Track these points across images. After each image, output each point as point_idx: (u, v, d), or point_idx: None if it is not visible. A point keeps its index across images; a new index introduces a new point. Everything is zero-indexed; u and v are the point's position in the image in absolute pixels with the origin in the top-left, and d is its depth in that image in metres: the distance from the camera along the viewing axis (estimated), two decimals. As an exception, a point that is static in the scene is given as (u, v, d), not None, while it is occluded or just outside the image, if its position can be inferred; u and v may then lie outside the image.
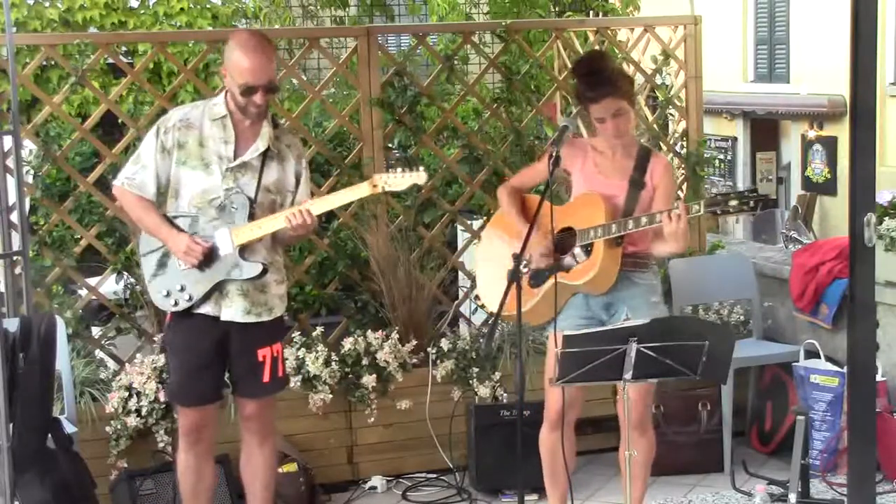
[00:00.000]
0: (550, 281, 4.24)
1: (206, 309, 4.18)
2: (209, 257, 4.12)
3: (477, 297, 5.83)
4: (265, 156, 4.18)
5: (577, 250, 4.25)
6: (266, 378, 4.26)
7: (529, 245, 4.14)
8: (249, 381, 4.27)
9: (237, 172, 4.16)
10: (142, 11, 10.84)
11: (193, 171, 4.15)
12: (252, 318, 4.20)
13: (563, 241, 4.29)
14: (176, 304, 4.18)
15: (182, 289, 4.16)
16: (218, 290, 4.17)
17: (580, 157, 4.38)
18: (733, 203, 4.04)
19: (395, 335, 5.53)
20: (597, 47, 6.70)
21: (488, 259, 4.56)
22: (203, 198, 4.15)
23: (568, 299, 4.31)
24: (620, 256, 4.26)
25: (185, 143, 4.15)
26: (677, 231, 4.04)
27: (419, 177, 4.13)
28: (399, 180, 4.13)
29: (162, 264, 4.21)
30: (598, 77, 4.25)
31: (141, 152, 4.22)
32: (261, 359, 4.25)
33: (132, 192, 4.20)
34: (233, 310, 4.18)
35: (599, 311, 4.33)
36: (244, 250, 4.15)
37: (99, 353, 5.57)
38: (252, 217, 4.13)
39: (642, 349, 3.72)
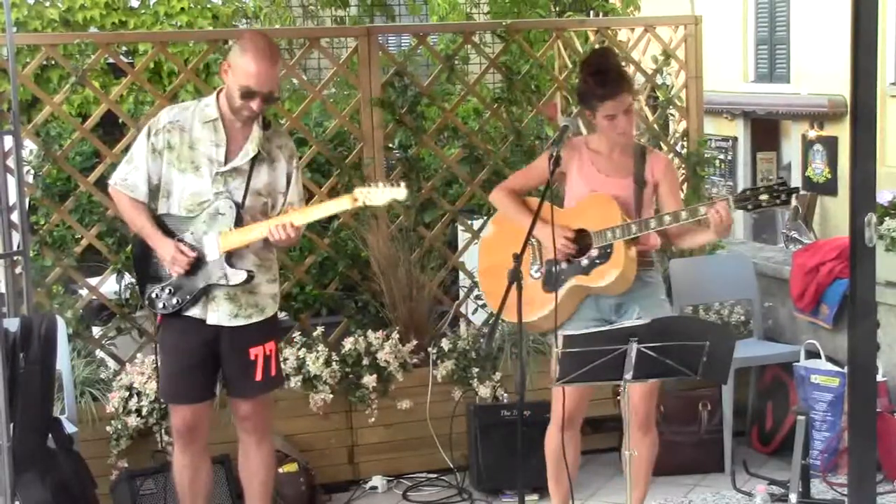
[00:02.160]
0: (568, 284, 4.24)
1: (193, 312, 4.19)
2: (195, 265, 4.12)
3: (478, 298, 5.82)
4: (255, 159, 4.16)
5: (594, 252, 4.23)
6: (258, 377, 4.25)
7: (546, 247, 4.17)
8: (241, 381, 4.26)
9: (227, 176, 4.15)
10: (142, 11, 10.85)
11: (184, 174, 4.14)
12: (241, 321, 4.20)
13: (578, 242, 4.27)
14: (164, 306, 4.18)
15: (170, 292, 4.17)
16: (205, 293, 4.17)
17: (576, 157, 4.36)
18: (764, 197, 3.91)
19: (395, 335, 5.53)
20: (597, 47, 6.69)
21: (496, 268, 4.39)
22: (193, 201, 4.15)
23: (580, 302, 4.30)
24: (636, 256, 4.26)
25: (174, 145, 4.14)
26: (723, 224, 4.01)
27: (399, 192, 4.08)
28: (379, 195, 4.08)
29: (152, 267, 4.22)
30: (612, 73, 4.24)
31: (133, 153, 4.22)
32: (252, 357, 4.24)
33: (125, 192, 4.21)
34: (219, 314, 4.18)
35: (609, 313, 4.32)
36: (231, 256, 4.15)
37: (99, 353, 5.57)
38: (240, 222, 4.12)
39: (643, 349, 3.72)
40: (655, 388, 4.39)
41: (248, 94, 4.05)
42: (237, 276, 4.14)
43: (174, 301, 4.17)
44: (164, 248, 4.13)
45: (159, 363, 4.36)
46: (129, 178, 4.20)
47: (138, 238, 4.29)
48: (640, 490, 4.41)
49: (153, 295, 4.20)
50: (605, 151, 4.34)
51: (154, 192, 4.20)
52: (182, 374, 4.23)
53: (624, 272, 4.19)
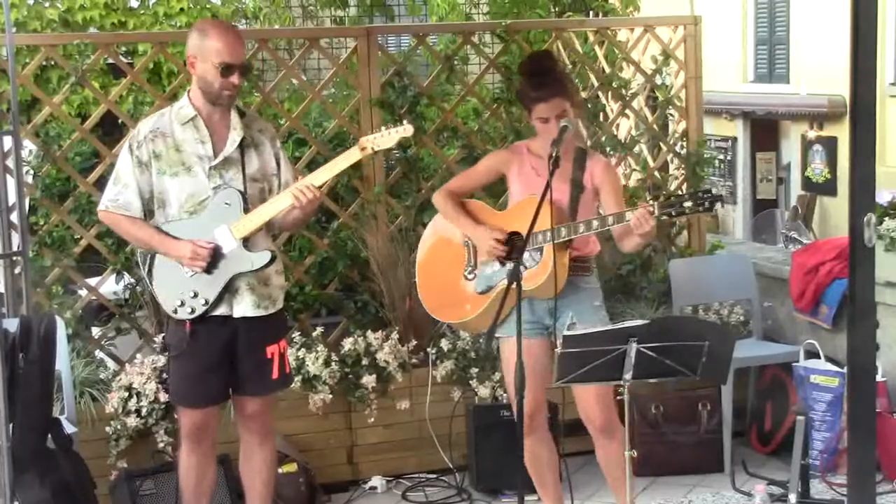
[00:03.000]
0: (499, 286, 4.25)
1: (220, 310, 4.17)
2: (214, 258, 4.11)
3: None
4: (242, 146, 4.18)
5: (527, 255, 4.21)
6: (275, 374, 4.27)
7: (480, 250, 4.26)
8: (257, 379, 4.26)
9: (221, 169, 4.15)
10: (142, 11, 10.85)
11: (176, 178, 4.13)
12: (261, 312, 4.21)
13: (511, 245, 4.27)
14: (193, 311, 4.15)
15: (195, 295, 4.14)
16: (228, 288, 4.16)
17: (517, 161, 4.37)
18: (688, 204, 3.92)
19: (394, 335, 5.53)
20: (596, 47, 6.70)
21: (434, 265, 4.54)
22: (193, 201, 4.15)
23: (514, 305, 4.26)
24: (569, 261, 4.23)
25: (160, 153, 4.14)
26: (643, 229, 3.97)
27: (406, 130, 4.12)
28: (386, 138, 4.13)
29: (168, 277, 4.18)
30: (548, 77, 4.24)
31: (119, 172, 4.19)
32: (269, 356, 4.26)
33: (118, 212, 4.18)
34: (243, 305, 4.19)
35: (544, 316, 4.30)
36: (247, 243, 4.15)
37: (99, 354, 5.57)
38: (246, 209, 4.13)
39: (642, 349, 3.72)
40: (608, 391, 4.31)
41: (226, 70, 4.07)
42: (262, 258, 4.14)
43: (202, 302, 4.14)
44: (180, 249, 4.11)
45: (172, 367, 4.34)
46: (119, 197, 4.17)
47: (142, 256, 4.26)
48: (631, 490, 4.35)
49: (179, 302, 4.15)
50: (544, 155, 4.21)
51: (147, 206, 4.18)
52: (199, 376, 4.21)
53: (552, 276, 4.13)
